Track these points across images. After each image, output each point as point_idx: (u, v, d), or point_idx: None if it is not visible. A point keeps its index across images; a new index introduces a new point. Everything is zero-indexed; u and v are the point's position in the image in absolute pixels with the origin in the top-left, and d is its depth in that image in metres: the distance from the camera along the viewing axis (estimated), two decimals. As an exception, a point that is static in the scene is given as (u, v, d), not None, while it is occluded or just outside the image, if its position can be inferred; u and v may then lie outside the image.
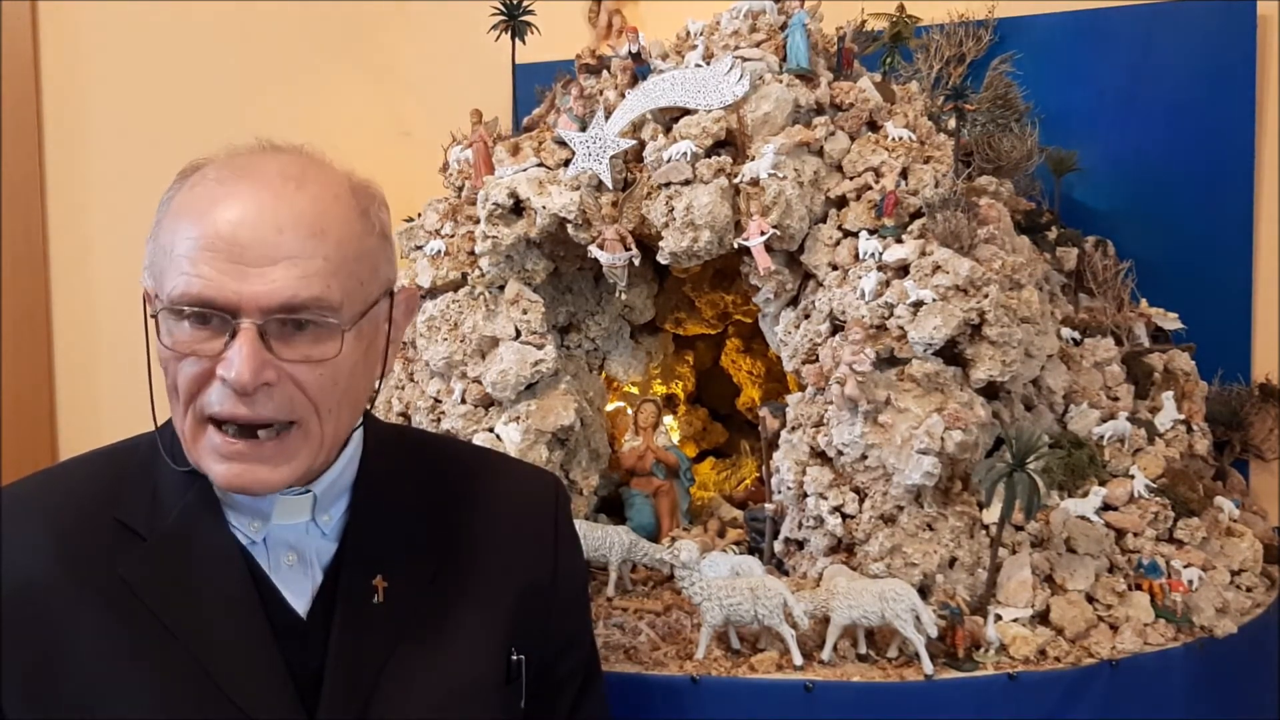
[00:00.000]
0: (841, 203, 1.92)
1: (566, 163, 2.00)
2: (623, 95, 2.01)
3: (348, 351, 1.03)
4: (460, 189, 2.21)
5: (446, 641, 1.12)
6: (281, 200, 1.00)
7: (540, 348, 1.96)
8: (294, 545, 1.09)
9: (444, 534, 1.18)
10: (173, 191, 1.05)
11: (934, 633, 1.56)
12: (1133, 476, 1.90)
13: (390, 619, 1.10)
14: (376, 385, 1.15)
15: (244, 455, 1.01)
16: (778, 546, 1.90)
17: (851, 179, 1.92)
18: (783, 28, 2.02)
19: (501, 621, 1.16)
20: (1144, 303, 2.36)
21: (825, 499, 1.80)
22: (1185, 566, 1.76)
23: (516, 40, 2.26)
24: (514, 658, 1.17)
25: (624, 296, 2.07)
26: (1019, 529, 1.78)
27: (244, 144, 1.07)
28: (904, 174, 1.90)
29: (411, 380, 2.17)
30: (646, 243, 1.98)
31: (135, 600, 1.04)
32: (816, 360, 1.84)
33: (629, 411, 2.26)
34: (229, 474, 1.01)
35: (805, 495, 1.83)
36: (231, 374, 0.97)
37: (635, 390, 2.39)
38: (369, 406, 1.16)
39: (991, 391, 1.86)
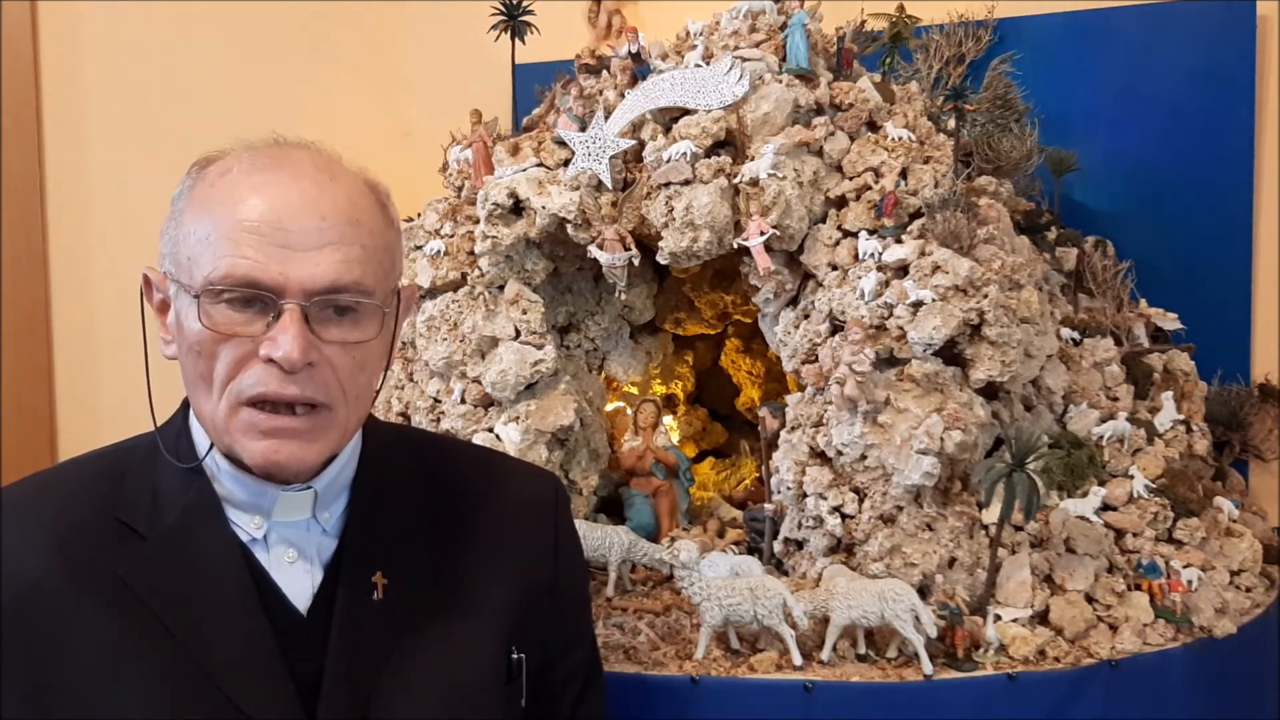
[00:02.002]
0: (841, 203, 1.92)
1: (566, 163, 2.00)
2: (622, 95, 2.01)
3: (376, 338, 1.06)
4: (460, 189, 2.21)
5: (447, 639, 1.13)
6: (323, 189, 1.03)
7: (540, 348, 1.96)
8: (294, 542, 1.10)
9: (444, 533, 1.18)
10: (192, 181, 1.06)
11: (933, 633, 1.56)
12: (1132, 477, 1.90)
13: (390, 616, 1.10)
14: (381, 381, 1.16)
15: (282, 431, 1.03)
16: (777, 546, 1.90)
17: (851, 179, 1.92)
18: (782, 28, 2.02)
19: (502, 620, 1.16)
20: (1144, 303, 2.36)
21: (825, 499, 1.80)
22: (1185, 567, 1.76)
23: (516, 40, 2.26)
24: (514, 656, 1.17)
25: (624, 296, 2.07)
26: (1018, 529, 1.78)
27: (260, 138, 1.08)
28: (904, 174, 1.90)
29: (411, 380, 2.17)
30: (646, 243, 1.98)
31: (135, 599, 1.04)
32: (816, 360, 1.84)
33: (629, 411, 2.26)
34: (267, 449, 1.03)
35: (805, 495, 1.83)
36: (280, 353, 0.99)
37: (635, 390, 2.39)
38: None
39: (991, 391, 1.86)
